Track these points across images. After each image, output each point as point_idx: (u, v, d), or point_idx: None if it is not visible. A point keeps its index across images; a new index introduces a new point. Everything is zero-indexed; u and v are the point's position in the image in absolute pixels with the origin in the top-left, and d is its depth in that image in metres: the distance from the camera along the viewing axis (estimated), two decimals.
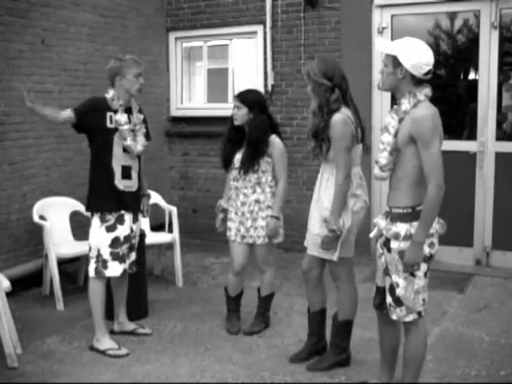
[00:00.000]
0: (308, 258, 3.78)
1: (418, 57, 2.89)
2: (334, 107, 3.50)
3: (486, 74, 5.68)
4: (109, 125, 3.97)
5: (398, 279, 3.00)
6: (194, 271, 5.92)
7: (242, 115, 4.14)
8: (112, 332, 4.27)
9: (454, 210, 5.87)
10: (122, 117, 3.98)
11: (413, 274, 2.98)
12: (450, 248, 5.92)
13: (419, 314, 3.05)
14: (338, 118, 3.47)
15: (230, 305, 4.43)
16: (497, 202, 5.75)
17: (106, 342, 4.04)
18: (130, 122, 4.03)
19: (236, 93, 4.31)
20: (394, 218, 3.00)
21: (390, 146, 2.96)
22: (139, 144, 4.08)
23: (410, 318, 3.04)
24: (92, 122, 3.96)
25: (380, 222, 3.11)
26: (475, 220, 5.85)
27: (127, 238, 4.06)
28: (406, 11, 6.02)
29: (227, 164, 4.28)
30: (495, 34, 5.62)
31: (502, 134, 5.79)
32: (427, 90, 2.96)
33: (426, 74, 2.92)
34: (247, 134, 4.17)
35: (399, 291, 3.01)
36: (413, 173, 2.95)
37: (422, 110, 2.90)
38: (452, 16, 5.95)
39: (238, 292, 4.42)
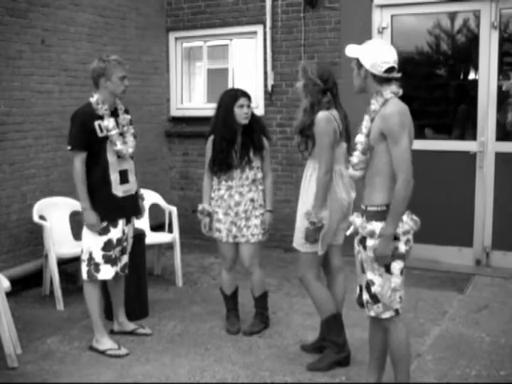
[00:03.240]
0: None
1: (376, 56, 2.99)
2: (325, 108, 3.65)
3: (486, 74, 5.67)
4: (99, 134, 3.91)
5: (374, 276, 3.04)
6: (194, 271, 5.91)
7: (250, 113, 4.19)
8: (112, 332, 4.28)
9: (454, 210, 5.89)
10: (109, 122, 3.93)
11: (389, 271, 3.01)
12: (450, 248, 5.94)
13: (396, 311, 3.09)
14: (321, 115, 3.62)
15: (228, 304, 4.44)
16: (497, 202, 5.74)
17: (105, 343, 4.03)
18: (117, 125, 4.00)
19: (243, 91, 4.21)
20: (368, 216, 3.04)
21: (363, 146, 3.06)
22: (129, 146, 4.05)
23: (387, 314, 3.08)
24: (88, 139, 3.90)
25: (356, 220, 3.15)
26: (475, 220, 5.84)
27: (120, 241, 4.04)
28: (405, 11, 6.02)
29: (230, 166, 4.18)
30: (495, 34, 5.61)
31: (502, 134, 5.78)
32: (394, 88, 3.03)
33: (388, 72, 2.99)
34: (255, 123, 4.22)
35: (375, 288, 3.05)
36: (385, 170, 3.00)
37: (389, 106, 2.98)
38: (452, 16, 5.94)
39: (233, 289, 4.42)
